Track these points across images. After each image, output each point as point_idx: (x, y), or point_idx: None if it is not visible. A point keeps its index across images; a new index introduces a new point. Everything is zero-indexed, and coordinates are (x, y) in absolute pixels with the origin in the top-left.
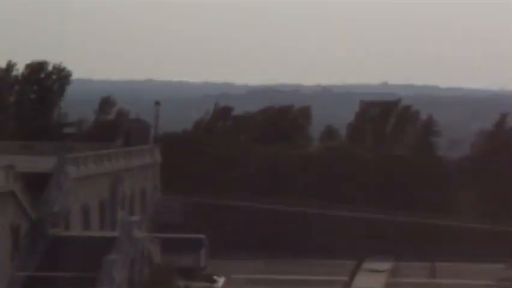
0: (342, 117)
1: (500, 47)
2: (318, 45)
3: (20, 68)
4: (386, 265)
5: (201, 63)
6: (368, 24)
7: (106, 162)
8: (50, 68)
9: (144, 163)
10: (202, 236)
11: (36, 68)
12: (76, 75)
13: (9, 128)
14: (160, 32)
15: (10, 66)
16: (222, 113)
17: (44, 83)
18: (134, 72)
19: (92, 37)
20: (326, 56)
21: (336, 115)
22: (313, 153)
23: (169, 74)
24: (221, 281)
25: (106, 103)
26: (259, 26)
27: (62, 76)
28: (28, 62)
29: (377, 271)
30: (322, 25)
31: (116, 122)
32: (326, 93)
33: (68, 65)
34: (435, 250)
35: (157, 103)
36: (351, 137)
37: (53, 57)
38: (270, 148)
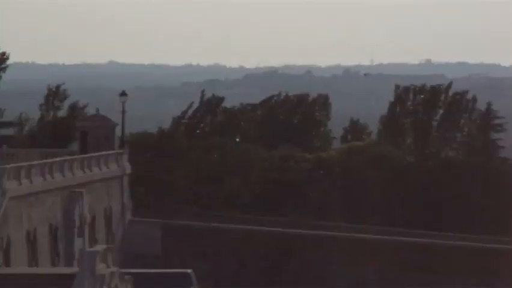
0: (372, 108)
1: None
2: (337, 15)
3: None
4: None
5: (182, 42)
6: None
7: (57, 175)
8: None
9: (108, 175)
10: (188, 270)
11: None
12: (14, 58)
13: None
14: (126, 5)
15: None
16: (210, 105)
17: None
18: (91, 54)
19: (37, 12)
20: (347, 28)
21: (363, 105)
22: (333, 157)
23: (138, 55)
24: None
25: (55, 94)
26: None
27: None
28: None
29: None
30: None
31: (69, 120)
32: (349, 77)
33: (4, 46)
34: (502, 286)
35: (124, 94)
36: (384, 135)
37: None
38: (276, 152)
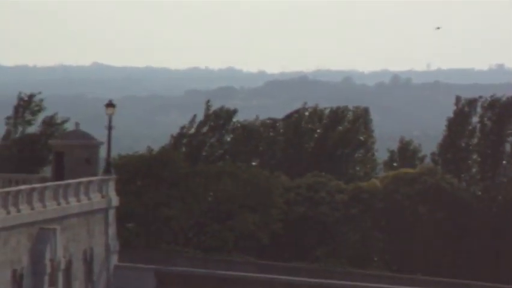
0: (428, 126)
1: None
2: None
3: None
4: None
5: (187, 42)
6: None
7: (24, 207)
8: None
9: (89, 208)
10: None
11: None
12: None
13: None
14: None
15: None
16: (219, 119)
17: None
18: (73, 55)
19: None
20: (396, 29)
21: (415, 122)
22: (376, 188)
23: (130, 56)
24: None
25: (25, 105)
26: None
27: None
28: None
29: None
30: None
31: (41, 138)
32: (398, 85)
33: None
34: None
35: (111, 104)
36: (442, 161)
37: None
38: (303, 180)
